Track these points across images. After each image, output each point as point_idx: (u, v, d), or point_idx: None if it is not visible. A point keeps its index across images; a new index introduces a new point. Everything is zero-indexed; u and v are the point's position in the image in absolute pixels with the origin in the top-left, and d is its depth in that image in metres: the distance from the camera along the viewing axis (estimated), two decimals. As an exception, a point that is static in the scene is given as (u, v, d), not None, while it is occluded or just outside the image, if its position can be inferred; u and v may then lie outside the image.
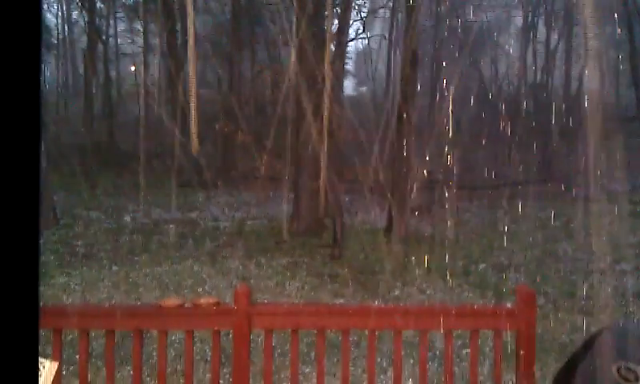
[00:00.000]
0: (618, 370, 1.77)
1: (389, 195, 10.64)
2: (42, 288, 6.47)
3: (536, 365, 3.71)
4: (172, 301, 4.86)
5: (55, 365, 2.83)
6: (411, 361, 4.66)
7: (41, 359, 2.79)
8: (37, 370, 0.64)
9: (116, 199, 11.83)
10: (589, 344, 2.15)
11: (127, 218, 10.87)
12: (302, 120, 10.27)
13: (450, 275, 7.62)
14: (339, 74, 14.64)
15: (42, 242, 8.94)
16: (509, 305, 4.22)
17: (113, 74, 24.02)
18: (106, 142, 17.50)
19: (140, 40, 21.85)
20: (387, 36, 21.47)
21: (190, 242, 8.98)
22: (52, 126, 16.30)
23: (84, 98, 19.76)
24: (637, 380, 1.74)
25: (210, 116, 15.28)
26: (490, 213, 10.25)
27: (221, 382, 3.82)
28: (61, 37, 28.22)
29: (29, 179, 0.77)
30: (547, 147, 15.23)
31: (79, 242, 9.07)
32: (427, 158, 12.99)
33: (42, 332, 3.84)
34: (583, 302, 6.92)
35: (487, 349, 4.39)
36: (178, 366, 4.47)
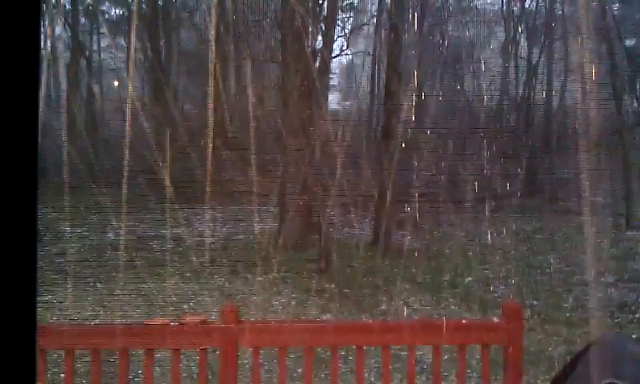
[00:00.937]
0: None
1: (374, 209, 10.68)
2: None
3: (523, 378, 3.73)
4: (158, 319, 4.82)
5: (40, 386, 2.79)
6: (399, 376, 4.65)
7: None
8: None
9: (100, 215, 11.72)
10: (575, 361, 2.17)
11: (111, 235, 10.78)
12: (288, 135, 10.30)
13: (436, 289, 7.65)
14: (324, 90, 14.70)
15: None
16: (495, 319, 4.25)
17: (96, 89, 23.93)
18: (90, 157, 17.37)
19: (124, 55, 21.81)
20: (371, 52, 21.66)
21: (175, 259, 8.93)
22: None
23: (67, 113, 19.63)
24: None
25: (195, 132, 15.25)
26: (475, 226, 10.32)
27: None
28: (43, 51, 28.06)
29: (27, 187, 0.76)
30: (531, 161, 15.38)
31: (63, 259, 8.98)
32: (412, 173, 13.06)
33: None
34: (568, 314, 6.98)
35: (474, 361, 4.40)
36: (164, 385, 4.40)
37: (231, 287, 7.76)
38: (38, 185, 0.75)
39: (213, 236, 10.16)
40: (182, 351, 3.99)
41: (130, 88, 20.85)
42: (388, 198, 10.39)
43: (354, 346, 4.01)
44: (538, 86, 19.56)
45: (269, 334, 4.10)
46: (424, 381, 4.69)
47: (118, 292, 7.71)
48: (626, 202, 11.81)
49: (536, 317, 7.01)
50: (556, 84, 18.94)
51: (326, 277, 8.44)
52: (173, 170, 12.71)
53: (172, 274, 8.36)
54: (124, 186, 13.01)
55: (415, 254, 9.75)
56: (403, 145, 13.97)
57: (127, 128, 20.02)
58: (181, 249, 9.89)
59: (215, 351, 4.07)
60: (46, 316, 6.62)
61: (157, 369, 4.61)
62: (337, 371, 3.79)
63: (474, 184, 11.18)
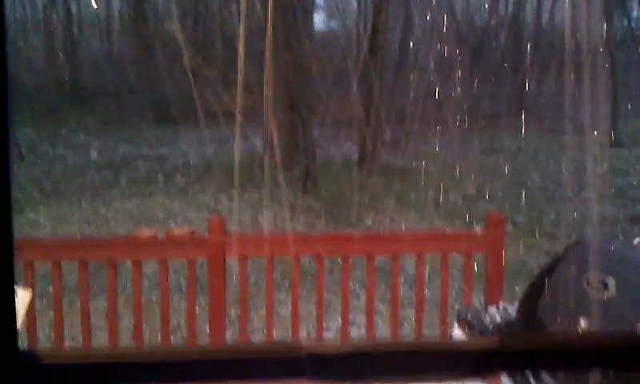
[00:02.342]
0: (588, 281, 1.83)
1: (360, 128, 10.63)
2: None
3: (504, 287, 3.83)
4: (145, 232, 4.83)
5: (28, 293, 2.81)
6: (383, 286, 4.76)
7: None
8: (13, 300, 0.63)
9: (81, 136, 11.57)
10: (559, 258, 2.20)
11: (94, 155, 10.67)
12: (272, 54, 10.07)
13: (421, 205, 7.74)
14: (309, 8, 14.29)
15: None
16: (478, 228, 4.32)
17: (74, 8, 23.09)
18: (69, 78, 16.98)
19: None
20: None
21: (160, 178, 8.89)
22: (12, 62, 15.72)
23: (44, 33, 19.00)
24: (606, 289, 1.80)
25: (176, 50, 14.88)
26: (461, 145, 10.35)
27: (197, 309, 3.86)
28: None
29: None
30: (518, 81, 15.29)
31: (46, 179, 8.91)
32: (398, 92, 12.94)
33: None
34: (550, 229, 7.13)
35: (456, 272, 4.50)
36: (154, 297, 4.47)
37: (217, 205, 7.78)
38: (9, 108, 0.70)
39: (197, 155, 10.10)
40: (170, 266, 4.03)
41: (110, 6, 20.13)
42: (374, 118, 10.33)
43: (339, 258, 4.08)
44: (528, 5, 19.19)
45: (256, 245, 4.14)
46: (407, 290, 4.80)
47: (103, 210, 7.71)
48: (612, 121, 11.87)
49: (518, 230, 7.15)
50: (546, 1, 18.59)
51: (311, 195, 8.48)
52: (155, 90, 12.48)
53: (157, 192, 8.34)
54: (106, 106, 12.80)
55: (400, 173, 9.80)
56: (390, 64, 13.77)
57: (107, 47, 19.48)
58: (165, 168, 9.84)
59: (203, 266, 4.12)
60: (30, 234, 6.62)
61: (145, 282, 4.68)
62: (322, 281, 3.86)
63: (461, 103, 11.12)
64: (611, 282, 1.63)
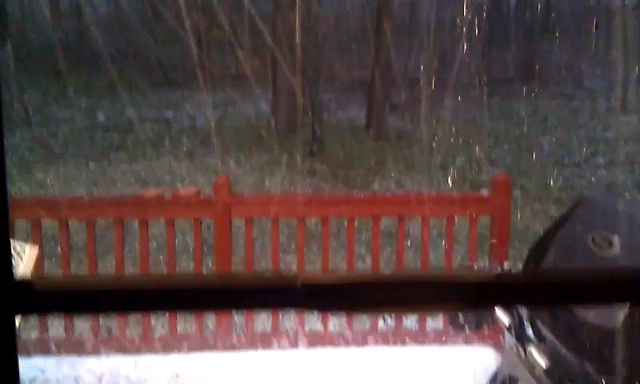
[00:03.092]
0: (593, 239, 1.83)
1: (368, 93, 10.55)
2: (18, 185, 6.38)
3: (509, 251, 3.84)
4: (152, 191, 4.85)
5: (35, 249, 2.84)
6: (389, 249, 4.78)
7: (20, 243, 2.79)
8: (9, 255, 0.63)
9: (88, 98, 11.54)
10: (565, 216, 2.19)
11: (101, 117, 10.66)
12: (279, 16, 9.95)
13: (428, 170, 7.72)
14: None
15: (15, 140, 8.80)
16: (485, 192, 4.32)
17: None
18: (75, 41, 16.86)
19: None
20: None
21: (166, 140, 8.89)
22: (18, 25, 15.60)
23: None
24: (611, 246, 1.80)
25: (181, 13, 14.71)
26: (469, 110, 10.26)
27: (204, 270, 3.90)
28: None
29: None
30: (527, 45, 15.07)
31: (54, 141, 8.93)
32: (407, 56, 12.78)
33: (21, 224, 3.82)
34: (557, 194, 7.10)
35: (462, 237, 4.50)
36: (161, 257, 4.51)
37: (223, 168, 7.78)
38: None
39: (203, 118, 10.07)
40: (177, 228, 4.05)
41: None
42: (382, 82, 10.24)
43: (345, 220, 4.09)
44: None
45: (262, 206, 4.15)
46: (413, 254, 4.81)
47: (111, 172, 7.74)
48: (622, 87, 11.71)
49: (525, 195, 7.14)
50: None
51: (317, 158, 8.47)
52: (162, 53, 12.39)
53: (164, 154, 8.35)
54: (113, 69, 12.73)
55: (408, 137, 9.76)
56: (399, 28, 13.56)
57: (114, 10, 19.26)
58: (172, 131, 9.83)
59: (209, 227, 4.14)
60: (40, 193, 6.67)
61: (153, 243, 4.72)
62: (328, 243, 3.87)
63: (470, 68, 10.99)
64: (616, 239, 1.63)
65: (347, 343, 3.79)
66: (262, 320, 4.27)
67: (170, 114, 10.95)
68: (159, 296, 0.58)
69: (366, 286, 0.61)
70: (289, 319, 4.15)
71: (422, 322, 3.88)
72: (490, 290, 0.58)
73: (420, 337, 3.82)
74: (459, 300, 0.60)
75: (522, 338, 1.85)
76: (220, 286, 0.59)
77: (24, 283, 0.58)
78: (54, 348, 3.62)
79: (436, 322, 4.02)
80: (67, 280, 0.58)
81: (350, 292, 0.60)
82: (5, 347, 0.57)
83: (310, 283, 0.59)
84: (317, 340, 3.81)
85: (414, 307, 0.62)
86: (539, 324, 1.92)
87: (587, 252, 1.81)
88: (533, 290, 0.59)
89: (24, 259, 2.72)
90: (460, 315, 2.22)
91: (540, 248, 2.04)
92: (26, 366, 3.41)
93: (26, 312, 0.59)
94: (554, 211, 6.49)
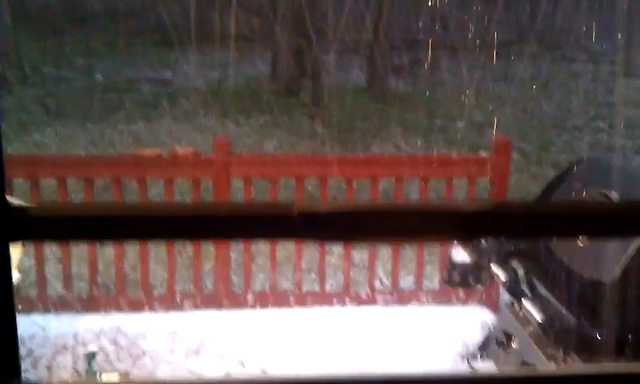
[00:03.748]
0: (592, 195, 1.82)
1: (369, 54, 10.43)
2: (15, 145, 6.34)
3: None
4: (151, 151, 4.83)
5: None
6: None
7: (17, 201, 2.78)
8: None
9: (85, 58, 11.41)
10: (564, 173, 2.19)
11: (99, 77, 10.56)
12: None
13: (427, 132, 7.68)
14: None
15: (12, 100, 8.73)
16: (484, 153, 4.30)
17: None
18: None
19: None
20: None
21: (164, 101, 8.82)
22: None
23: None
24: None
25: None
26: (471, 73, 10.16)
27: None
28: None
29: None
30: (530, 7, 14.85)
31: (51, 100, 8.86)
32: (408, 17, 12.61)
33: (18, 182, 3.80)
34: (557, 158, 7.08)
35: (460, 199, 4.50)
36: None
37: (222, 129, 7.74)
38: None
39: (202, 79, 9.98)
40: (175, 189, 4.04)
41: None
42: (383, 43, 10.12)
43: (343, 181, 4.08)
44: None
45: (260, 166, 4.15)
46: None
47: (109, 132, 7.70)
48: (625, 50, 11.58)
49: (524, 159, 7.12)
50: None
51: (317, 120, 8.42)
52: (160, 12, 12.19)
53: (162, 115, 8.30)
54: (110, 28, 12.55)
55: (408, 99, 9.69)
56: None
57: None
58: (170, 91, 9.75)
59: (208, 190, 4.13)
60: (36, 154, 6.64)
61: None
62: (326, 201, 3.88)
63: (471, 30, 10.84)
64: (614, 195, 1.62)
65: (343, 303, 3.83)
66: (260, 280, 4.30)
67: (168, 74, 10.85)
68: (155, 223, 0.57)
69: (364, 215, 0.60)
70: (287, 279, 4.18)
71: (418, 282, 3.91)
72: (490, 219, 0.58)
73: (416, 297, 3.86)
74: (458, 229, 0.59)
75: (517, 293, 1.87)
76: (216, 214, 0.58)
77: (19, 210, 0.57)
78: (53, 306, 3.66)
79: (432, 282, 4.05)
80: (63, 206, 0.57)
81: (348, 221, 0.60)
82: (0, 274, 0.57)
83: (308, 212, 0.59)
84: (314, 300, 3.84)
85: (412, 237, 0.62)
86: (534, 280, 1.93)
87: None
88: (534, 219, 0.58)
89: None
90: (456, 274, 2.23)
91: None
92: (26, 323, 3.44)
93: (21, 239, 0.58)
94: (553, 175, 6.48)
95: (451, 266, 2.27)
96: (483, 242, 2.16)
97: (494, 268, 2.01)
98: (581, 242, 1.62)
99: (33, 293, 3.74)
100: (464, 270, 2.21)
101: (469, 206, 0.59)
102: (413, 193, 4.91)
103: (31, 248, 3.74)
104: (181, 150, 4.52)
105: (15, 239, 0.59)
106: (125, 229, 0.57)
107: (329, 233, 0.60)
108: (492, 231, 0.62)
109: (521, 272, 1.98)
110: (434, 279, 4.06)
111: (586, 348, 1.67)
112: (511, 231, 0.60)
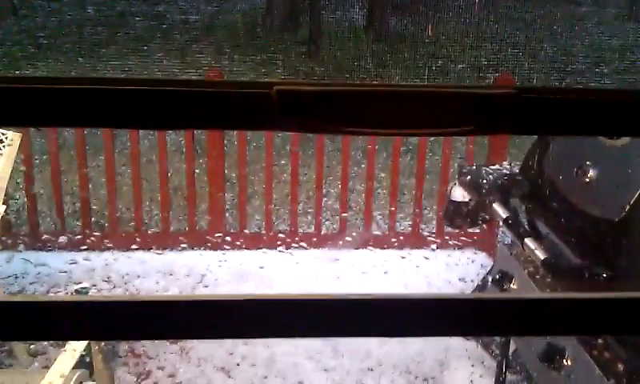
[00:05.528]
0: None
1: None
2: (4, 78, 6.17)
3: (508, 158, 3.77)
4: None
5: (19, 136, 2.73)
6: (384, 154, 4.71)
7: (3, 131, 2.68)
8: None
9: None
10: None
11: (90, 10, 10.26)
12: None
13: (428, 74, 7.54)
14: None
15: (1, 33, 8.49)
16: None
17: None
18: None
19: None
20: None
21: (158, 36, 8.59)
22: None
23: None
24: (619, 137, 1.73)
25: None
26: (473, 14, 9.92)
27: (197, 171, 3.83)
28: None
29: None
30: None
31: (42, 34, 8.62)
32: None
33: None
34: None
35: (460, 144, 4.43)
36: (153, 156, 4.43)
37: (216, 66, 7.58)
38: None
39: (196, 13, 9.70)
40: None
41: None
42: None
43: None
44: None
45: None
46: (408, 160, 4.75)
47: (100, 67, 7.53)
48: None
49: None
50: None
51: (314, 59, 8.24)
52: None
53: (155, 51, 8.10)
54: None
55: (409, 39, 9.47)
56: None
57: None
58: (164, 26, 9.49)
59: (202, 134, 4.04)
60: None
61: (144, 142, 4.62)
62: (323, 147, 3.79)
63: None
64: (621, 133, 1.55)
65: (339, 247, 3.80)
66: (256, 222, 4.26)
67: (161, 7, 10.54)
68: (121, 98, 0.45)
69: (360, 98, 0.48)
70: (283, 222, 4.14)
71: (415, 226, 3.87)
72: (512, 106, 0.46)
73: (414, 240, 3.83)
74: (473, 118, 0.48)
75: (518, 231, 1.81)
76: (187, 86, 0.46)
77: None
78: (45, 243, 3.62)
79: (429, 226, 4.02)
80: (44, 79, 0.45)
81: (339, 104, 0.48)
82: None
83: (289, 91, 0.46)
84: (309, 242, 3.81)
85: (416, 127, 0.46)
86: (537, 218, 1.88)
87: (589, 145, 1.75)
88: (560, 107, 0.48)
89: (6, 145, 2.62)
90: (455, 212, 2.16)
91: (541, 144, 1.98)
92: (18, 260, 3.41)
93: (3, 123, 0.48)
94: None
95: (451, 204, 2.19)
96: (484, 179, 2.09)
97: (495, 206, 1.95)
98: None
99: (25, 230, 3.70)
100: (464, 208, 2.14)
101: (488, 89, 0.47)
102: (412, 138, 4.82)
103: (22, 183, 3.68)
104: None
105: None
106: (108, 105, 0.46)
107: (315, 118, 0.47)
108: (514, 123, 0.49)
109: (523, 210, 1.92)
110: (431, 224, 4.03)
111: (591, 288, 1.62)
112: (536, 122, 0.49)
